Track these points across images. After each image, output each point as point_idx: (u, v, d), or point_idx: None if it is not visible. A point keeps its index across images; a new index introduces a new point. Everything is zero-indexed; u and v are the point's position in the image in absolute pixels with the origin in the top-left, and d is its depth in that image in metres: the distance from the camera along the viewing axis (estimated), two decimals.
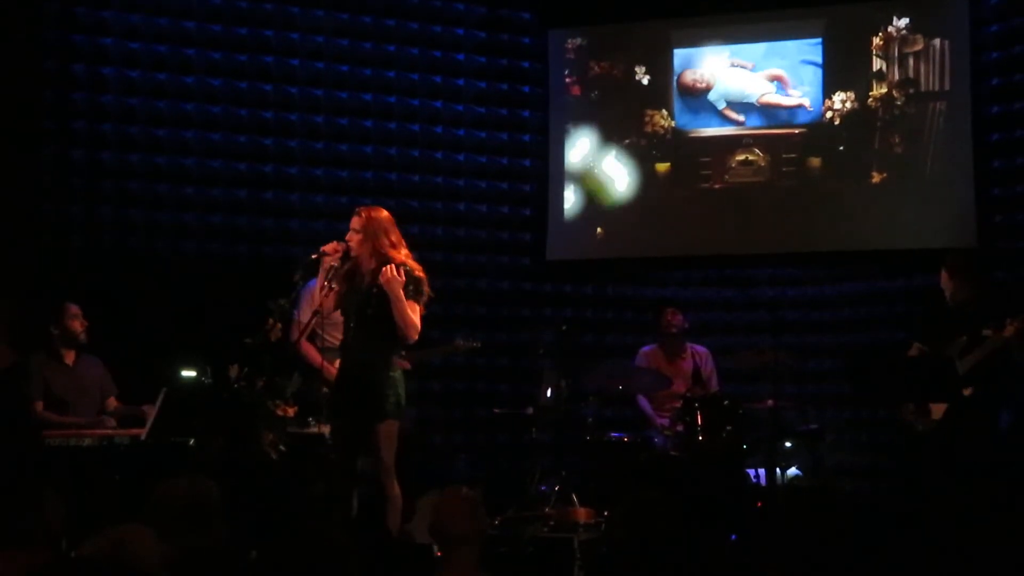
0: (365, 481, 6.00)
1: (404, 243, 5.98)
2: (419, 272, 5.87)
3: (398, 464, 5.99)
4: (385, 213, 5.98)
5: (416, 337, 5.91)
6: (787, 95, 8.97)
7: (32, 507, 3.61)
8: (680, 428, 7.34)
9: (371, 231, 5.86)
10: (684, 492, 6.71)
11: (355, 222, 5.91)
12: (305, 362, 6.50)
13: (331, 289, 5.83)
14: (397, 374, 5.96)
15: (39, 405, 6.90)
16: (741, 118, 9.07)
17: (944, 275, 6.77)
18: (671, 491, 6.73)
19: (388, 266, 5.73)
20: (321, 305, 5.91)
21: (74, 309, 7.10)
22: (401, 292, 5.73)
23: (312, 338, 6.40)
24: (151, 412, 6.26)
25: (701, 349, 8.17)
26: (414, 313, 5.80)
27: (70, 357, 7.11)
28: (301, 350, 6.41)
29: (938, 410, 6.50)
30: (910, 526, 6.04)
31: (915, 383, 6.33)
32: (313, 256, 5.91)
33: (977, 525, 5.71)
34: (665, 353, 8.11)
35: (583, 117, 9.40)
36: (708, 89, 9.15)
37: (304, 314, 6.26)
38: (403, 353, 6.96)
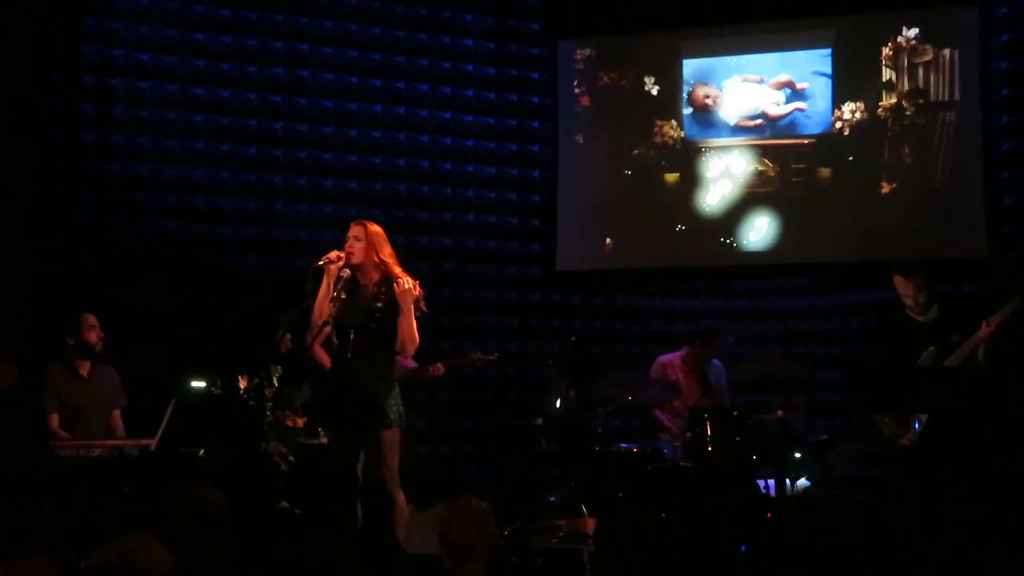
0: (369, 490, 6.00)
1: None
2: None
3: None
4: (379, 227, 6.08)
5: (414, 352, 6.03)
6: (798, 102, 8.97)
7: (35, 521, 3.61)
8: (690, 438, 7.31)
9: (373, 241, 5.94)
10: (693, 503, 6.70)
11: (357, 231, 5.98)
12: (319, 368, 6.50)
13: (340, 298, 5.84)
14: (395, 385, 6.01)
15: (55, 418, 6.88)
16: (752, 126, 9.07)
17: (899, 279, 6.66)
18: (680, 502, 6.74)
19: (406, 277, 5.79)
20: (330, 313, 5.92)
21: (91, 320, 7.07)
22: (413, 306, 5.76)
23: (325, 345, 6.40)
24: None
25: (716, 362, 8.15)
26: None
27: (85, 368, 7.08)
28: (315, 355, 6.43)
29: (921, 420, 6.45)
30: (919, 536, 6.02)
31: (924, 394, 6.30)
32: (319, 263, 5.93)
33: (980, 528, 5.70)
34: (687, 365, 8.04)
35: (592, 128, 9.40)
36: (719, 103, 9.14)
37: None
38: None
